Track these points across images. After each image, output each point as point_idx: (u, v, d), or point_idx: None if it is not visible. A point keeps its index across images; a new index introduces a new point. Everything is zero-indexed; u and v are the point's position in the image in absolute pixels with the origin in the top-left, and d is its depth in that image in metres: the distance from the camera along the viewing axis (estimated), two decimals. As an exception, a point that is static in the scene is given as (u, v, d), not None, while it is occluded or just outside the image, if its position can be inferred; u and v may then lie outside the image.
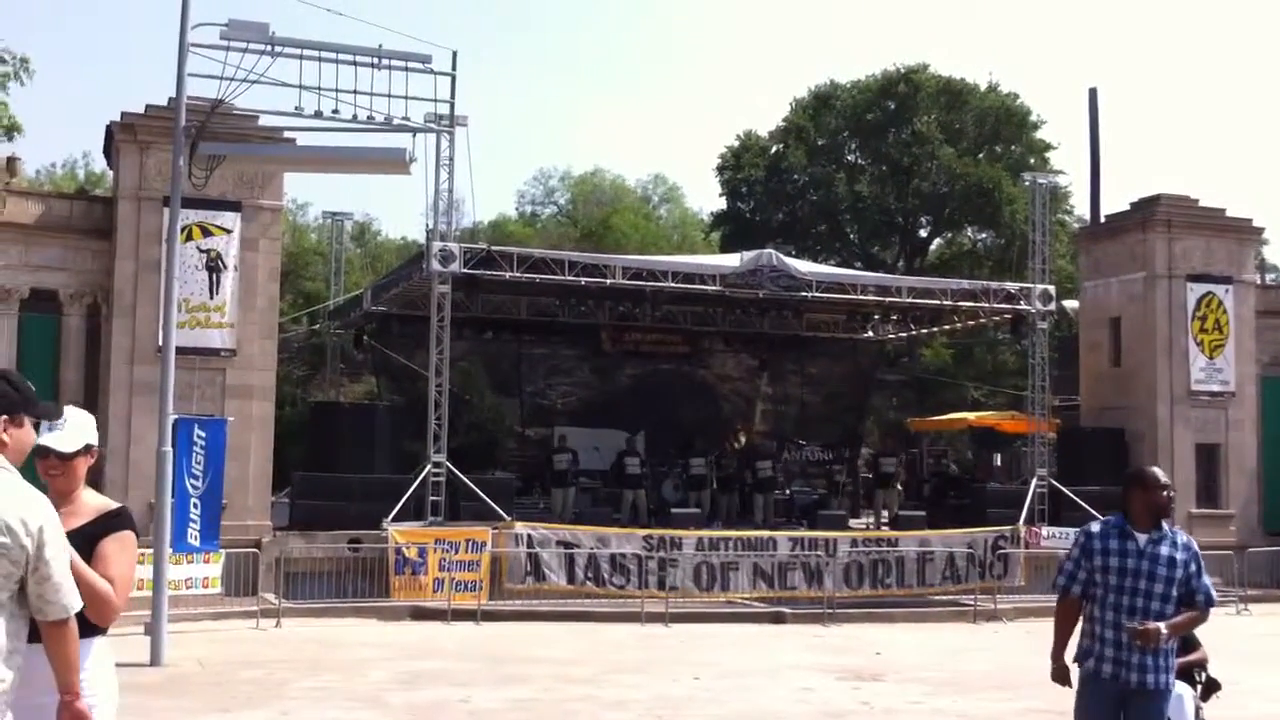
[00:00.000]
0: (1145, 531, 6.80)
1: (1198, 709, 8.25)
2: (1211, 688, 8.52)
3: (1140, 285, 27.97)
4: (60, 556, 4.19)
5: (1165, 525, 6.87)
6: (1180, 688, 7.89)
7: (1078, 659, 6.81)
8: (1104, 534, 6.85)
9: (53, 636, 4.22)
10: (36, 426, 4.47)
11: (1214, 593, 6.93)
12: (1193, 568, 6.79)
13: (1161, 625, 6.61)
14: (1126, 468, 26.69)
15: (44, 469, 4.74)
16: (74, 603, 4.20)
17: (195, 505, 18.75)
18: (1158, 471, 6.96)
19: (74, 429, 4.78)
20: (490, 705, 12.48)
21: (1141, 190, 29.57)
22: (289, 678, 13.91)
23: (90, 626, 4.47)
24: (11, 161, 22.54)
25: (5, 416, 4.28)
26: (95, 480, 5.10)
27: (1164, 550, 6.76)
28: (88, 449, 4.81)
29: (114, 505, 4.82)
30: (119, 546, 4.64)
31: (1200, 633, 8.66)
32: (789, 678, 14.75)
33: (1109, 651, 6.72)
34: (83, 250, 22.64)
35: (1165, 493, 6.85)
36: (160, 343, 16.88)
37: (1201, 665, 8.57)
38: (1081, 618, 6.89)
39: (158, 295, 18.78)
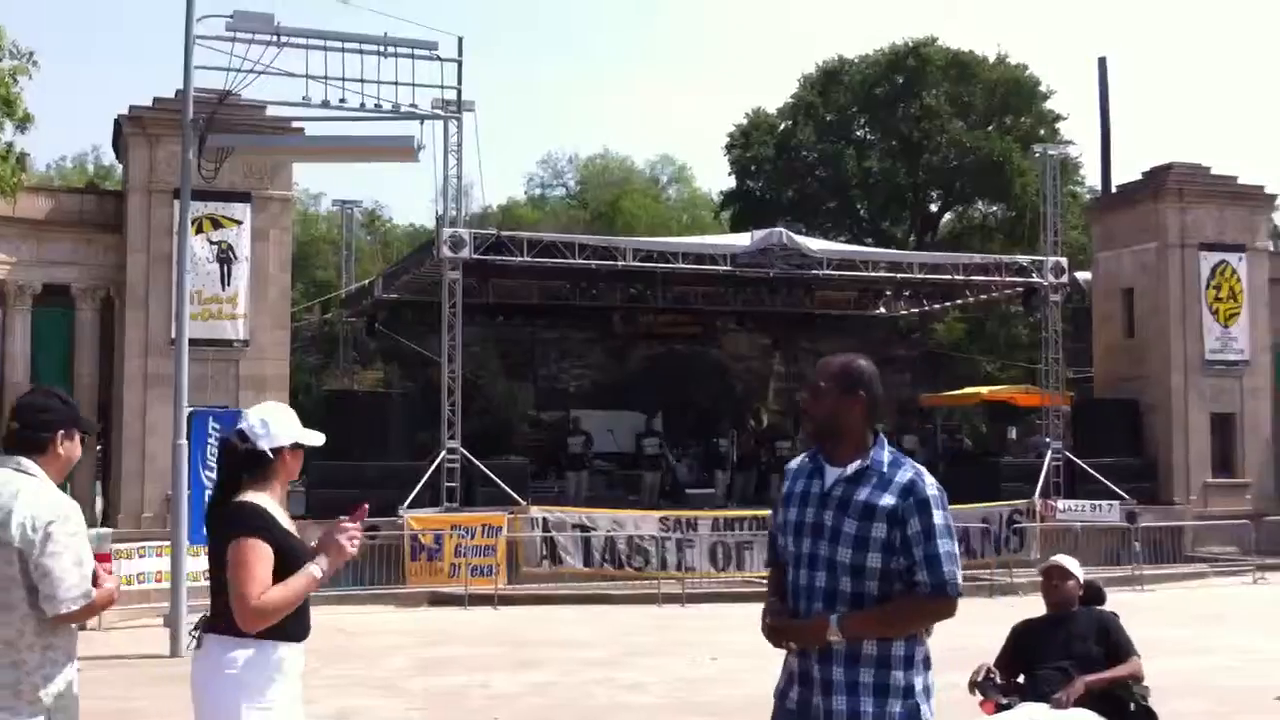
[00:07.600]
0: (841, 463, 3.98)
1: None
2: None
3: (1153, 255, 27.87)
4: (62, 555, 4.10)
5: (882, 452, 3.94)
6: (1080, 717, 5.63)
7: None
8: (797, 473, 4.14)
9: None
10: (83, 441, 4.50)
11: (953, 573, 3.86)
12: (914, 525, 3.81)
13: (831, 619, 3.83)
14: (1141, 439, 26.91)
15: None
16: (68, 603, 4.11)
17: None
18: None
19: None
20: (509, 689, 12.53)
21: (1153, 160, 29.48)
22: (309, 666, 13.95)
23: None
24: (21, 157, 22.58)
25: (62, 430, 4.35)
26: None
27: (862, 494, 3.89)
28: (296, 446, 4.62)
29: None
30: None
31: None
32: (806, 656, 14.76)
33: (792, 661, 4.03)
34: (94, 244, 22.75)
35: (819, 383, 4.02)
36: (174, 335, 16.95)
37: (1130, 687, 5.91)
38: None
39: (170, 288, 18.88)
